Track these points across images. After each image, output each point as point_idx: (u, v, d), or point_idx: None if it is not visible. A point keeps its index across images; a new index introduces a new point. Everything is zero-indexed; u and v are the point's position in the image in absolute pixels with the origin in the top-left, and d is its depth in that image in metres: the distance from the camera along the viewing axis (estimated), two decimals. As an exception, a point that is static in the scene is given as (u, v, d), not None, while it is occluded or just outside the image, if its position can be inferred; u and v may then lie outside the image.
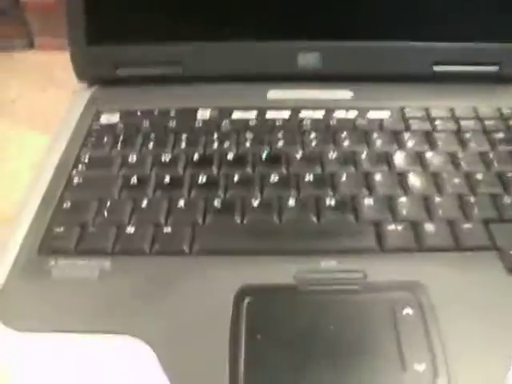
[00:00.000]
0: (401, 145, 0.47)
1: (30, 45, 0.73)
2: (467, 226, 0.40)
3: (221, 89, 0.52)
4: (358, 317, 0.35)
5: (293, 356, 0.33)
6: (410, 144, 0.46)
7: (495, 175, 0.44)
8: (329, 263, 0.37)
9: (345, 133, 0.48)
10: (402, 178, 0.43)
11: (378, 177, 0.43)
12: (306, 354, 0.33)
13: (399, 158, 0.45)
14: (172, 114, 0.50)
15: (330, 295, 0.36)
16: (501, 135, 0.48)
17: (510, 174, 0.44)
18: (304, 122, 0.49)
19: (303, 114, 0.50)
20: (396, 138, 0.47)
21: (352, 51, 0.52)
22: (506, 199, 0.42)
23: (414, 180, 0.43)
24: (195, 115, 0.50)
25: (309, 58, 0.52)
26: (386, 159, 0.45)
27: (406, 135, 0.47)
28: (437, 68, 0.53)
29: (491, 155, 0.46)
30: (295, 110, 0.50)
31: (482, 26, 0.52)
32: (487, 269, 0.38)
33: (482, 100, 0.52)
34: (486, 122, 0.49)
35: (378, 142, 0.47)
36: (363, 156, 0.45)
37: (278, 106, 0.50)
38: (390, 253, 0.39)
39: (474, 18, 0.51)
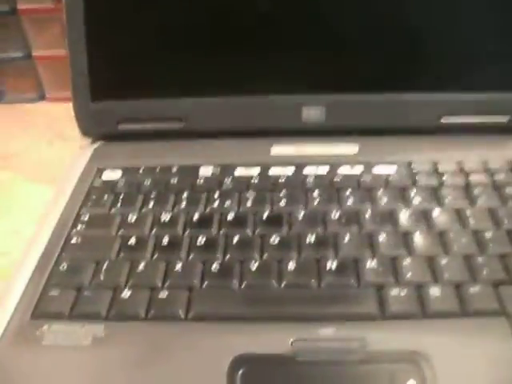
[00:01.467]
0: (406, 202, 0.46)
1: (41, 97, 0.73)
2: (475, 289, 0.38)
3: (224, 144, 0.51)
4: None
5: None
6: (416, 201, 0.45)
7: (506, 234, 0.42)
8: (327, 331, 0.36)
9: (349, 190, 0.47)
10: (406, 237, 0.42)
11: (381, 237, 0.42)
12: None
13: (404, 217, 0.44)
14: (174, 170, 0.49)
15: (328, 366, 0.35)
16: (512, 190, 0.45)
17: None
18: (307, 179, 0.48)
19: (307, 170, 0.49)
20: (402, 194, 0.46)
21: (357, 104, 0.51)
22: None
23: (420, 240, 0.42)
24: (197, 172, 0.49)
25: (313, 112, 0.51)
26: (391, 218, 0.44)
27: (413, 192, 0.46)
28: (444, 120, 0.51)
29: (501, 212, 0.44)
30: (299, 166, 0.49)
31: (491, 76, 0.51)
32: (495, 337, 0.36)
33: (491, 151, 0.50)
34: (496, 176, 0.47)
35: (383, 200, 0.46)
36: (367, 215, 0.44)
37: (282, 161, 0.50)
38: (392, 319, 0.37)
39: (483, 68, 0.50)
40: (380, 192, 0.46)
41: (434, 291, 0.39)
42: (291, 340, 0.36)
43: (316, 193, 0.46)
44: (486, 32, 0.50)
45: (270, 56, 0.50)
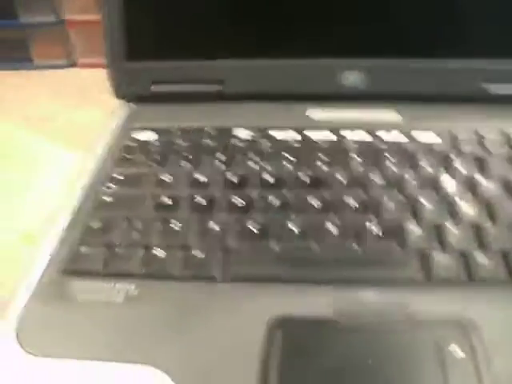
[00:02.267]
0: (451, 170, 0.43)
1: (72, 64, 0.72)
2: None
3: (261, 108, 0.50)
4: (399, 354, 0.32)
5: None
6: (460, 169, 0.43)
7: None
8: (370, 294, 0.34)
9: (391, 156, 0.44)
10: (451, 204, 0.40)
11: (426, 202, 0.40)
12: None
13: (449, 184, 0.41)
14: (209, 132, 0.47)
15: (370, 329, 0.33)
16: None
17: None
18: (348, 144, 0.46)
19: (347, 135, 0.47)
20: (446, 162, 0.44)
21: (398, 70, 0.49)
22: None
23: (465, 207, 0.39)
24: (233, 134, 0.47)
25: (352, 77, 0.49)
26: (435, 184, 0.42)
27: (457, 160, 0.44)
28: (487, 87, 0.49)
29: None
30: (338, 131, 0.47)
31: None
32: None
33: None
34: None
35: (427, 167, 0.44)
36: (411, 181, 0.43)
37: (321, 126, 0.48)
38: (437, 285, 0.36)
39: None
40: (423, 159, 0.44)
41: (481, 258, 0.36)
42: (333, 303, 0.34)
43: (357, 158, 0.44)
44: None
45: (309, 19, 0.49)
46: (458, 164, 0.44)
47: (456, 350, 0.31)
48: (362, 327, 0.33)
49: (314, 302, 0.35)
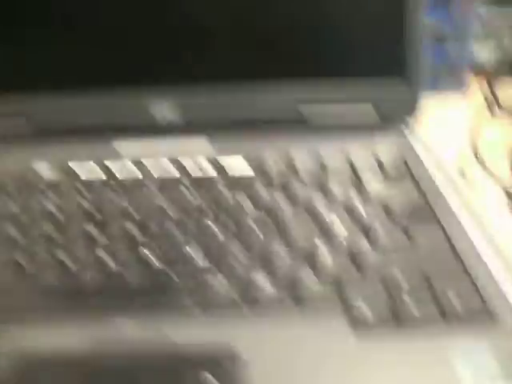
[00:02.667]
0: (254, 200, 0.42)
1: None
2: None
3: (64, 145, 0.46)
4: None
5: None
6: (264, 196, 0.42)
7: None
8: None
9: (190, 187, 0.43)
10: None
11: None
12: None
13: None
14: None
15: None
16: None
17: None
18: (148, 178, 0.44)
19: (151, 167, 0.44)
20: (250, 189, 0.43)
21: (208, 97, 0.47)
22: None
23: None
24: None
25: (162, 108, 0.47)
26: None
27: (262, 186, 0.43)
28: (302, 109, 0.47)
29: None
30: (142, 164, 0.44)
31: (353, 59, 0.47)
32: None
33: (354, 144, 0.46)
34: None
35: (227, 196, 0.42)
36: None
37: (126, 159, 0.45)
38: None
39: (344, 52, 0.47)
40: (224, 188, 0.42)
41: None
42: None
43: (158, 191, 0.43)
44: (345, 16, 0.47)
45: (111, 48, 0.46)
46: (263, 192, 0.42)
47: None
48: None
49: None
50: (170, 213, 0.40)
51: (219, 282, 0.34)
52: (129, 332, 0.32)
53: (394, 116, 0.48)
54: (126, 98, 0.47)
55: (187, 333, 0.32)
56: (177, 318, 0.33)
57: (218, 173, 0.44)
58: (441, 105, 0.57)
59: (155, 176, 0.44)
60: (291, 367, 0.30)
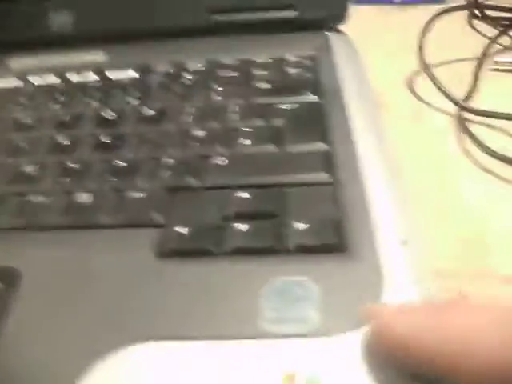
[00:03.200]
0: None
1: None
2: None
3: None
4: None
5: None
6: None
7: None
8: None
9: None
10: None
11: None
12: None
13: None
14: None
15: None
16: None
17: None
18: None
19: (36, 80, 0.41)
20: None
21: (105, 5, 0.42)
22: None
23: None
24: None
25: (58, 19, 0.42)
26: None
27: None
28: (217, 17, 0.42)
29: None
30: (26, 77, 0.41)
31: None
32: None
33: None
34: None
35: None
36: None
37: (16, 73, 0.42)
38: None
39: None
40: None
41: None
42: None
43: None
44: None
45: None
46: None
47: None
48: None
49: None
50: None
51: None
52: None
53: (320, 22, 0.43)
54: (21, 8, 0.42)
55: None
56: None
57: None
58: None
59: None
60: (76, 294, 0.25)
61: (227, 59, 0.40)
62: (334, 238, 0.26)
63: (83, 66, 0.41)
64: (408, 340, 0.19)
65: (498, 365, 0.17)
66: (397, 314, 0.20)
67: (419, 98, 0.46)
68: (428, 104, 0.45)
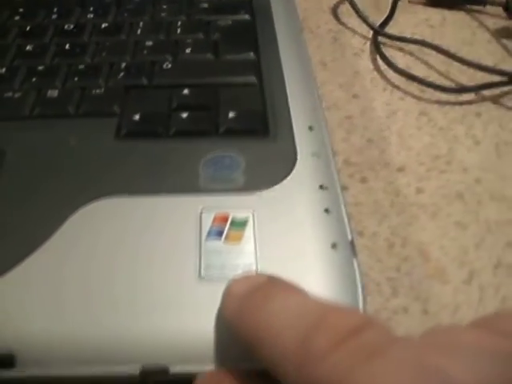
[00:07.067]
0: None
1: None
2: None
3: None
4: None
5: None
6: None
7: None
8: None
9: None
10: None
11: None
12: None
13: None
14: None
15: None
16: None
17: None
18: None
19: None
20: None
21: None
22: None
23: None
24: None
25: None
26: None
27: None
28: None
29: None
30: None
31: None
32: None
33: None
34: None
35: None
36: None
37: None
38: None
39: None
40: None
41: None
42: None
43: None
44: None
45: None
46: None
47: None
48: None
49: None
50: None
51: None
52: None
53: None
54: None
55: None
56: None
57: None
58: None
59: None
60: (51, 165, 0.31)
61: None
62: (258, 124, 0.33)
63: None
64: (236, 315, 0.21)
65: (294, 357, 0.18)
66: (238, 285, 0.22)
67: (341, 23, 0.53)
68: (348, 28, 0.52)
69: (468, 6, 0.55)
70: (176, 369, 0.23)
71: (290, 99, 0.34)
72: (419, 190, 0.37)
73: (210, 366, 0.23)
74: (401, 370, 0.16)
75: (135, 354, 0.24)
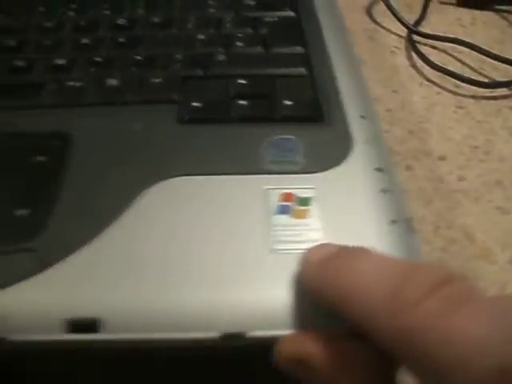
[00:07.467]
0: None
1: None
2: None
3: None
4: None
5: None
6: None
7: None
8: None
9: None
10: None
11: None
12: None
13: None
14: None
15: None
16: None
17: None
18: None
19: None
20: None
21: None
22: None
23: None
24: None
25: None
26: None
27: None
28: None
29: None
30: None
31: None
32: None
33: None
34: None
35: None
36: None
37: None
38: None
39: None
40: None
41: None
42: None
43: None
44: None
45: None
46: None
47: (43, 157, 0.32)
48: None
49: None
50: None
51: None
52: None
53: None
54: None
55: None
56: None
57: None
58: None
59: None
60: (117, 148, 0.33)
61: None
62: (313, 112, 0.35)
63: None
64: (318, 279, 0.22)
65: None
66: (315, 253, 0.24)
67: (375, 22, 0.55)
68: (382, 27, 0.54)
69: (497, 6, 0.56)
70: (253, 334, 0.25)
71: (340, 90, 0.36)
72: (461, 178, 0.38)
73: (285, 332, 0.25)
74: (491, 313, 0.17)
75: (214, 322, 0.25)
